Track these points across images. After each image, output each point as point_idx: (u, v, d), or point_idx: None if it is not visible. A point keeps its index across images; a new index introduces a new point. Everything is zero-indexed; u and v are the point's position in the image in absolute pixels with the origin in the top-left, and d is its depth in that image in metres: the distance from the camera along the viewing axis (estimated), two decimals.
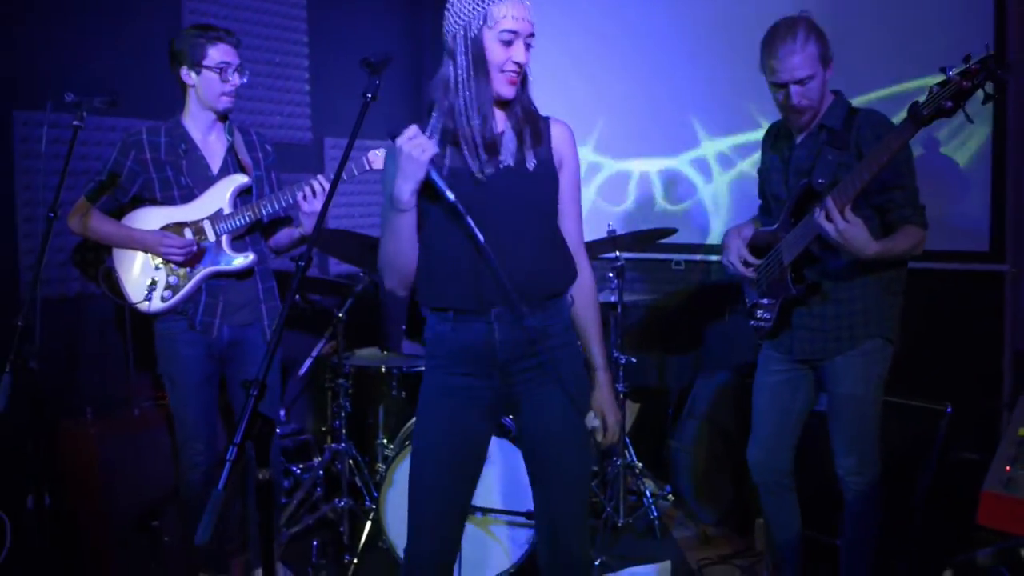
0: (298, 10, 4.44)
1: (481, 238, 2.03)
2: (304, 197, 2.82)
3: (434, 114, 2.15)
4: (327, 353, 3.91)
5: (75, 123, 2.55)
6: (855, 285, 2.74)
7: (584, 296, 2.28)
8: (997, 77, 2.20)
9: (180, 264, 2.94)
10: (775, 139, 2.98)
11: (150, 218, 2.98)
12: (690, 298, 4.49)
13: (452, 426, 2.21)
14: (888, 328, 2.76)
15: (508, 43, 2.06)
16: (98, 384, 3.59)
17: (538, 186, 2.16)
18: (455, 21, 2.06)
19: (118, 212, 3.04)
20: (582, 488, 2.31)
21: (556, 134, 2.22)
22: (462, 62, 2.06)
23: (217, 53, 2.89)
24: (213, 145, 3.02)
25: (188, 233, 2.96)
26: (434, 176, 2.03)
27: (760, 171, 3.06)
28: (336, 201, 4.48)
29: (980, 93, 2.27)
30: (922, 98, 2.32)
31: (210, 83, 2.91)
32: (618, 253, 3.79)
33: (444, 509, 2.23)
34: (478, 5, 2.04)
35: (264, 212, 2.95)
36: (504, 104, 2.15)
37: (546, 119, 2.23)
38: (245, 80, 2.97)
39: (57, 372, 3.53)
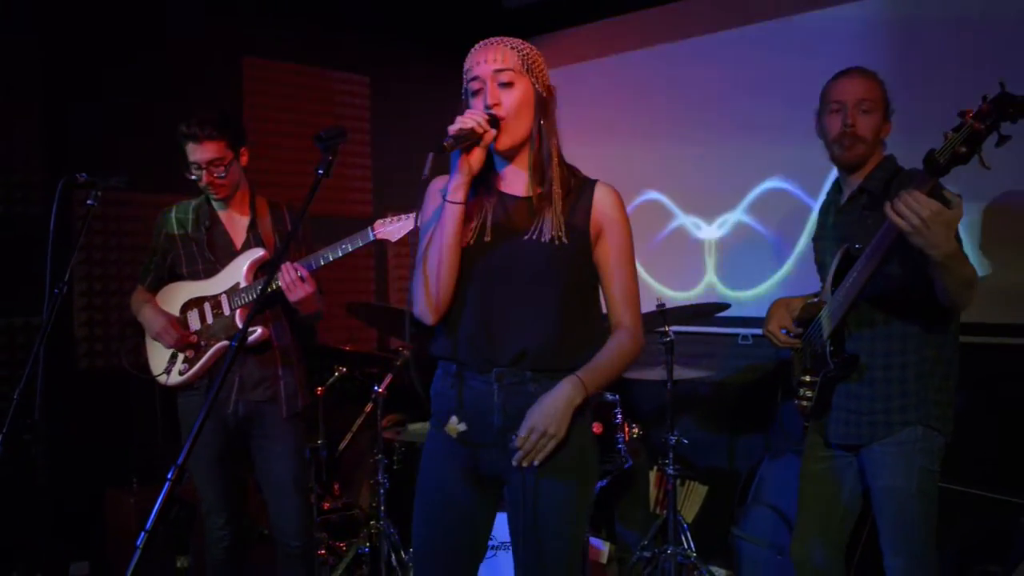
0: (361, 87, 4.56)
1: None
2: (287, 286, 2.80)
3: None
4: (384, 426, 3.87)
5: (89, 202, 2.63)
6: (893, 365, 2.49)
7: (616, 338, 2.07)
8: (1011, 116, 1.97)
9: (169, 347, 2.98)
10: (826, 206, 2.81)
11: (177, 293, 3.04)
12: (759, 374, 4.23)
13: (438, 495, 2.12)
14: (930, 415, 2.48)
15: (477, 92, 2.00)
16: (146, 455, 3.67)
17: (554, 256, 2.01)
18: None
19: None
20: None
21: (599, 199, 2.06)
22: None
23: (189, 153, 2.90)
24: (238, 221, 3.06)
25: (207, 308, 2.99)
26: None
27: (813, 239, 2.87)
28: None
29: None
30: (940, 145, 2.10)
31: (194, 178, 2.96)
32: (667, 327, 3.60)
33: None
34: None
35: (276, 285, 2.93)
36: (519, 163, 2.06)
37: (589, 182, 2.09)
38: (222, 175, 2.90)
39: (106, 442, 3.64)
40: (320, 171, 1.95)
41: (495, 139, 1.98)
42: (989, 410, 3.30)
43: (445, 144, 1.88)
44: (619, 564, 4.10)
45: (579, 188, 2.07)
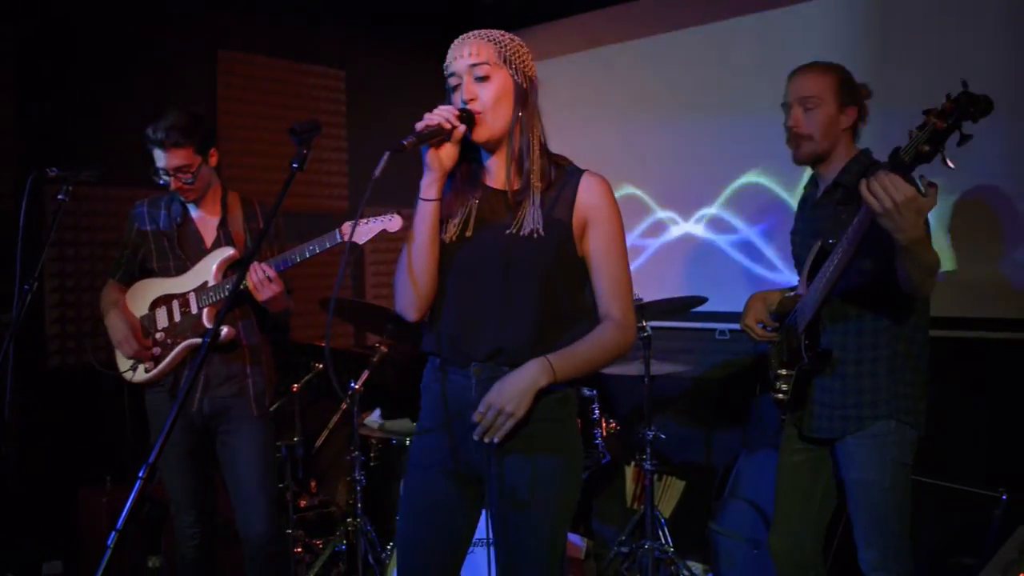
0: (336, 81, 4.53)
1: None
2: (255, 286, 2.78)
3: None
4: (360, 423, 3.85)
5: (59, 197, 2.59)
6: (863, 360, 2.52)
7: (600, 328, 2.03)
8: (972, 115, 1.99)
9: (129, 357, 2.97)
10: (803, 200, 2.83)
11: (147, 290, 3.02)
12: (736, 369, 4.25)
13: (422, 490, 2.11)
14: (900, 409, 2.50)
15: (456, 88, 1.99)
16: (119, 453, 3.63)
17: (531, 251, 1.99)
18: None
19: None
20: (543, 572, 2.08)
21: (583, 190, 2.02)
22: None
23: (156, 159, 2.87)
24: (208, 218, 3.03)
25: (175, 306, 2.97)
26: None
27: (791, 233, 2.88)
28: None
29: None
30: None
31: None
32: (645, 323, 3.60)
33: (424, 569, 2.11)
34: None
35: (243, 285, 2.90)
36: (501, 156, 2.04)
37: (575, 173, 2.05)
38: (190, 180, 2.87)
39: (78, 440, 3.59)
40: (295, 164, 1.93)
41: (472, 132, 1.98)
42: (964, 404, 3.34)
43: (405, 143, 1.88)
44: (596, 560, 4.10)
45: (563, 179, 2.04)
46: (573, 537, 4.07)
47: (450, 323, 2.05)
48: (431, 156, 1.97)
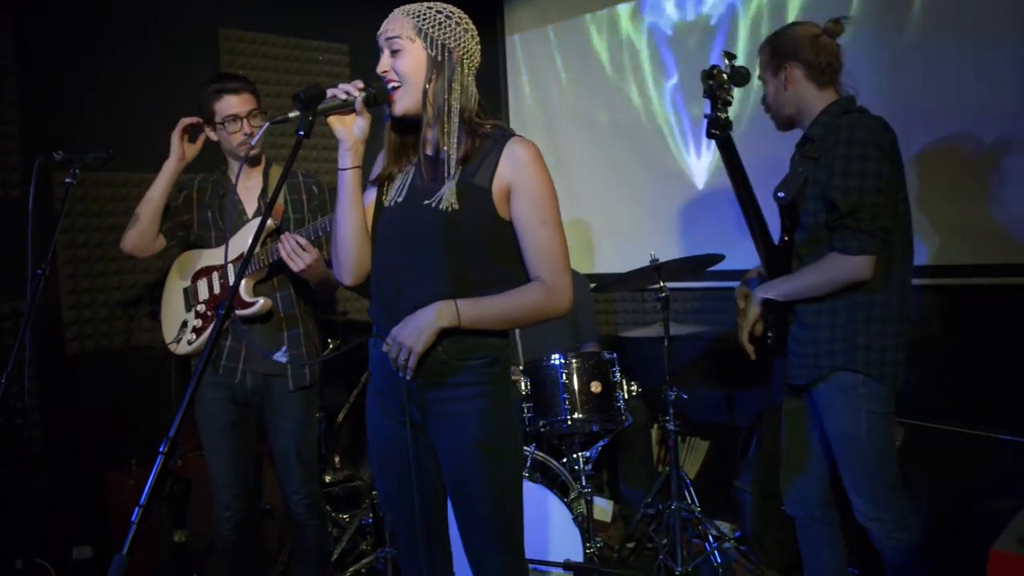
0: (341, 56, 4.49)
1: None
2: (288, 256, 2.75)
3: None
4: None
5: (68, 180, 2.57)
6: (822, 310, 2.52)
7: (525, 286, 2.06)
8: (720, 94, 2.51)
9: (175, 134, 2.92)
10: None
11: (190, 262, 3.03)
12: None
13: (378, 446, 2.19)
14: (857, 360, 2.46)
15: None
16: (146, 435, 3.63)
17: (446, 221, 2.01)
18: None
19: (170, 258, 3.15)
20: (497, 532, 2.11)
21: (506, 157, 2.02)
22: None
23: (222, 106, 2.86)
24: (251, 190, 3.02)
25: (215, 278, 2.97)
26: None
27: None
28: None
29: None
30: None
31: (224, 137, 2.90)
32: (662, 283, 3.57)
33: (406, 521, 2.17)
34: None
35: (275, 257, 2.88)
36: (422, 123, 2.07)
37: (502, 139, 2.05)
38: (257, 124, 2.89)
39: (102, 424, 3.60)
40: (300, 132, 1.91)
41: (391, 105, 2.06)
42: (986, 350, 3.30)
43: (290, 115, 1.96)
44: (624, 521, 4.11)
45: (488, 148, 2.06)
46: (600, 500, 4.08)
47: (376, 290, 2.13)
48: (334, 125, 2.07)
